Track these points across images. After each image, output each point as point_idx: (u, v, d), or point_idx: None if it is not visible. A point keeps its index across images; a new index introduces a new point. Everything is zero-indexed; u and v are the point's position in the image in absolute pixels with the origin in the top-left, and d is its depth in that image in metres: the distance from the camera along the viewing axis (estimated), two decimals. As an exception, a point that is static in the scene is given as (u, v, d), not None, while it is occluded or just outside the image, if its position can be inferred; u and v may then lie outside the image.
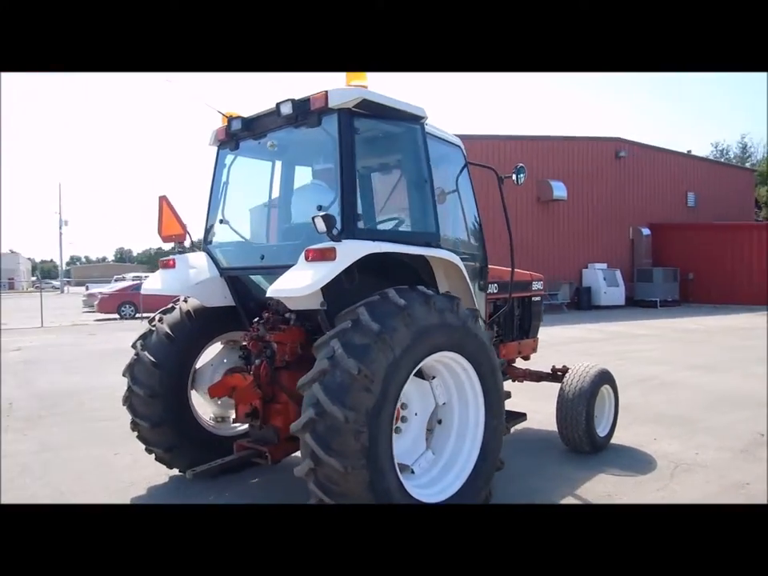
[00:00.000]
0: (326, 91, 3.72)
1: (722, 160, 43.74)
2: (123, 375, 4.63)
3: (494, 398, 3.86)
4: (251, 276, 4.51)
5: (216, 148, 4.72)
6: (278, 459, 4.21)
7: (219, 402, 4.89)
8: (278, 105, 3.91)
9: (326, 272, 3.35)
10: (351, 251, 3.46)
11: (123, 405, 4.64)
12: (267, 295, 3.56)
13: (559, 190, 22.90)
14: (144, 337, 4.61)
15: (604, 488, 4.54)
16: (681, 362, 10.42)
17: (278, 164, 4.77)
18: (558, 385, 5.44)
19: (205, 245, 4.75)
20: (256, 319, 4.32)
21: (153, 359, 4.43)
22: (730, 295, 23.47)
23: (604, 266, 24.51)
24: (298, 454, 3.40)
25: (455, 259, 4.13)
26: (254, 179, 4.87)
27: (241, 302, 4.64)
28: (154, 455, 4.74)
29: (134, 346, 4.66)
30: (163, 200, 4.76)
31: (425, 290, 3.56)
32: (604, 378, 5.41)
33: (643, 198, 26.62)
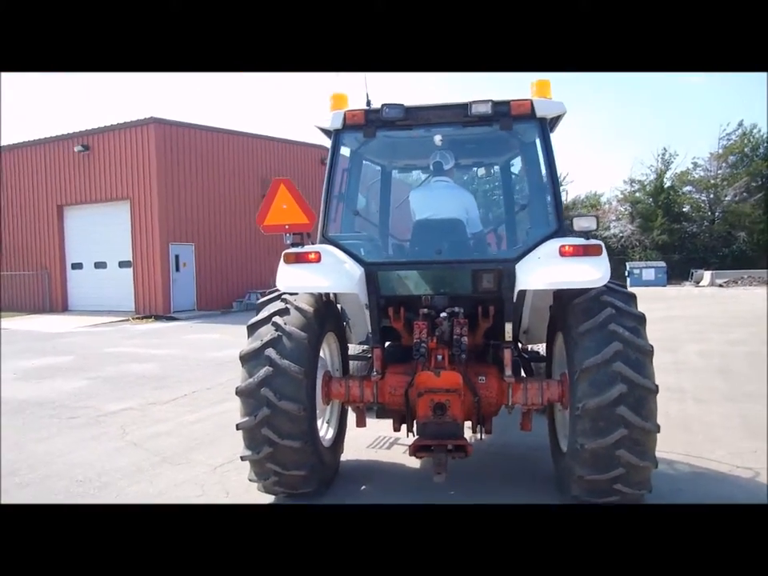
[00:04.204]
0: (531, 100, 4.16)
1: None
2: (238, 394, 3.98)
3: None
4: (398, 272, 4.40)
5: (334, 131, 4.49)
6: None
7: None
8: (470, 104, 4.12)
9: (607, 265, 3.78)
10: (604, 248, 3.89)
11: (245, 427, 3.95)
12: (568, 286, 3.73)
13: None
14: (274, 344, 3.97)
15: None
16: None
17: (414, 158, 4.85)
18: None
19: (324, 237, 4.46)
20: (444, 314, 4.09)
21: (300, 367, 3.93)
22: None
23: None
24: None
25: None
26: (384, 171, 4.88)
27: (376, 299, 4.37)
28: (269, 482, 4.09)
29: (252, 355, 3.98)
30: (282, 183, 4.19)
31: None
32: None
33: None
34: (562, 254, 3.85)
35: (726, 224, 41.75)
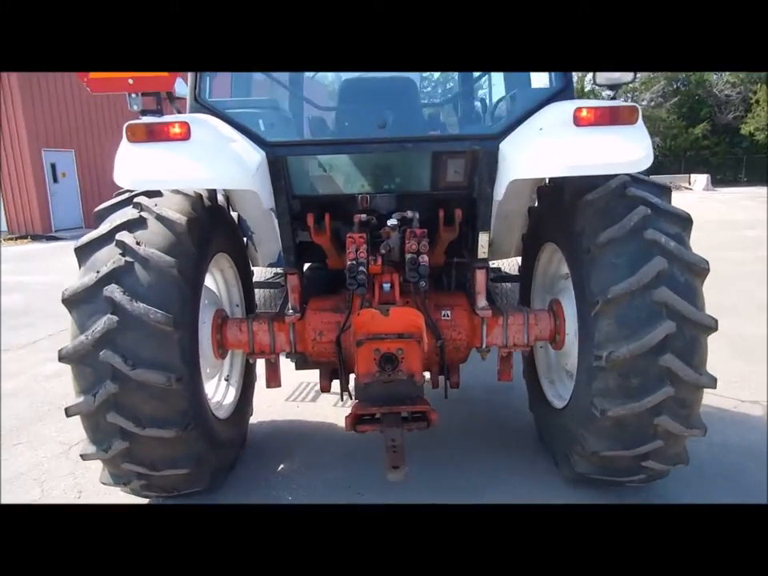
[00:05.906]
0: None
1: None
2: (63, 359, 2.56)
3: None
4: (318, 157, 2.93)
5: None
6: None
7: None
8: None
9: (648, 139, 2.56)
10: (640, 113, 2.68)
11: (79, 413, 2.59)
12: (597, 171, 2.50)
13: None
14: (119, 277, 2.51)
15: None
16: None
17: None
18: None
19: (197, 101, 2.93)
20: (392, 221, 2.89)
21: (165, 314, 2.51)
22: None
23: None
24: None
25: None
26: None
27: (286, 201, 2.92)
28: (134, 486, 2.83)
29: (83, 296, 2.52)
30: None
31: None
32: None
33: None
34: (579, 121, 2.59)
35: (642, 129, 42.47)
